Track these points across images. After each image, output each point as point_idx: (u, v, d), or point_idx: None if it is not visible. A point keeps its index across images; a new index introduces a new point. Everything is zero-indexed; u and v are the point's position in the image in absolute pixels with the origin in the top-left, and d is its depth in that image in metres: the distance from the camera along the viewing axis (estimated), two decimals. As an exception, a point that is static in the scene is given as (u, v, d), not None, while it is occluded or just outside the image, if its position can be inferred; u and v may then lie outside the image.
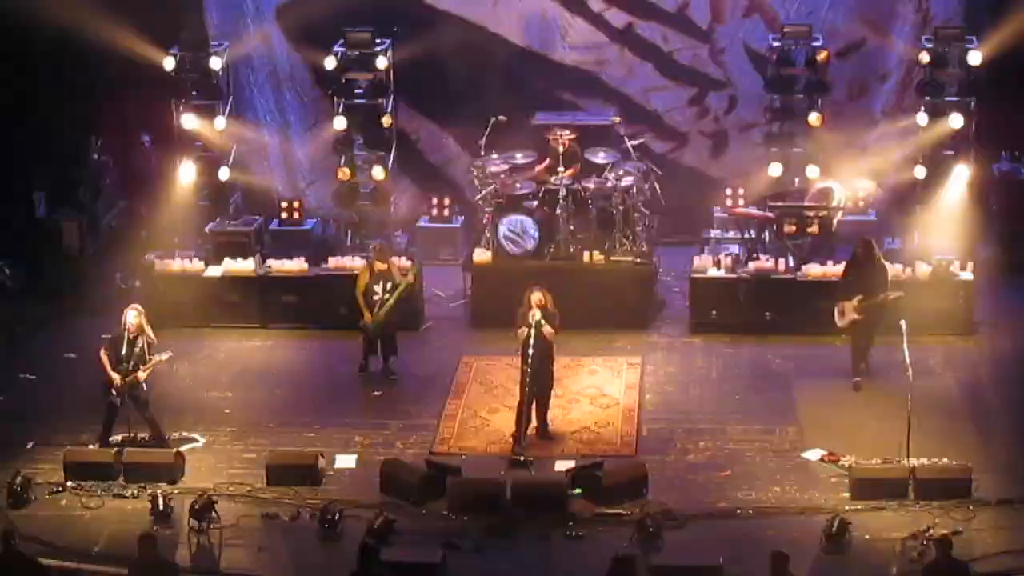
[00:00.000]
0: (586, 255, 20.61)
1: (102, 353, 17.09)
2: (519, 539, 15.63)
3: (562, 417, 18.08)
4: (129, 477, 16.67)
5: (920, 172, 21.49)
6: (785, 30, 21.97)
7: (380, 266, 19.11)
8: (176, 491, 16.44)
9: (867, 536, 15.39)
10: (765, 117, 22.30)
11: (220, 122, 22.08)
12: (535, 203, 20.80)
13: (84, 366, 18.53)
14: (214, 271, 21.05)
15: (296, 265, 21.03)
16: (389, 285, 19.05)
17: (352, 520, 15.79)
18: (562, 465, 16.95)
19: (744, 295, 20.35)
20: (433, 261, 22.15)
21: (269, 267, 21.07)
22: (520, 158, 21.34)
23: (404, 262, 20.38)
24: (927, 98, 21.37)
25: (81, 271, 22.06)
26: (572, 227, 20.65)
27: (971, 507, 15.79)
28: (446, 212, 23.01)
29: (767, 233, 21.45)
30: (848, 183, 21.88)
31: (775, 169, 21.75)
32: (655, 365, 19.60)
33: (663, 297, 21.35)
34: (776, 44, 21.79)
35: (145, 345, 17.11)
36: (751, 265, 20.57)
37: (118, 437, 17.34)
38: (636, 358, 19.70)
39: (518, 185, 20.84)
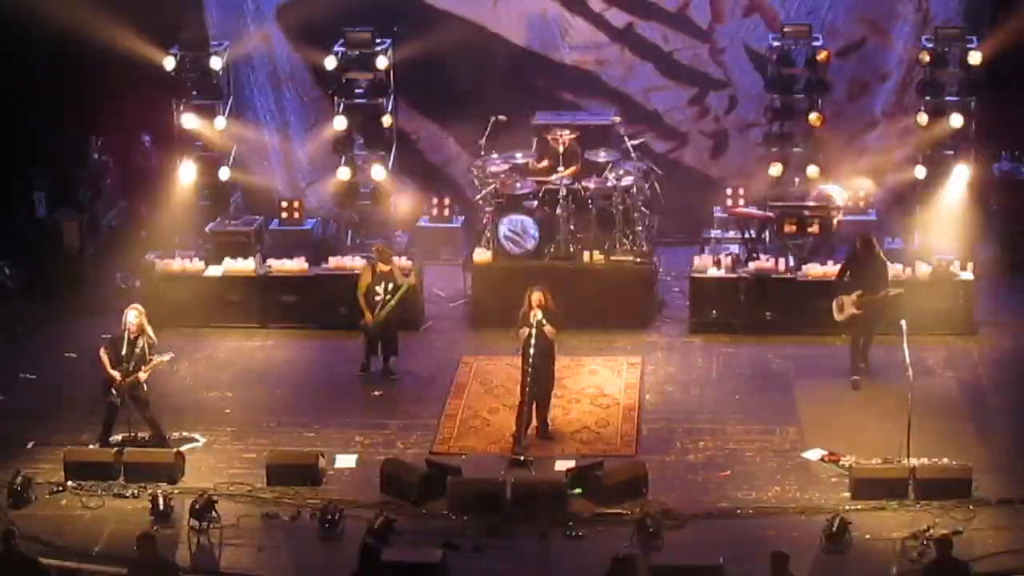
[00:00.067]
0: (586, 255, 20.60)
1: (102, 352, 17.09)
2: (519, 539, 15.63)
3: (562, 417, 18.08)
4: (129, 477, 16.67)
5: (920, 172, 21.50)
6: (785, 30, 21.98)
7: (383, 268, 19.10)
8: (176, 491, 16.44)
9: (867, 536, 15.39)
10: (765, 117, 22.31)
11: (220, 122, 22.09)
12: (535, 203, 20.80)
13: (84, 366, 18.53)
14: (214, 271, 21.04)
15: (296, 265, 21.04)
16: (391, 286, 19.04)
17: (352, 520, 15.79)
18: (562, 465, 16.94)
19: (744, 295, 20.34)
20: (433, 261, 22.16)
21: (269, 267, 21.07)
22: (520, 158, 21.36)
23: (404, 262, 20.38)
24: (927, 98, 21.38)
25: (81, 271, 22.07)
26: (572, 227, 20.65)
27: (971, 507, 15.79)
28: (446, 212, 23.01)
29: (767, 233, 21.45)
30: (848, 183, 21.88)
31: (775, 169, 21.76)
32: (655, 365, 19.60)
33: (663, 297, 21.35)
34: (776, 44, 21.79)
35: (146, 345, 17.11)
36: (751, 265, 20.56)
37: (118, 437, 17.35)
38: (636, 358, 19.70)
39: (518, 185, 20.84)
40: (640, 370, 19.36)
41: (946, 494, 15.93)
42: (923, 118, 21.32)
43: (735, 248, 21.53)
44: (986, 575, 14.60)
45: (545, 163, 21.19)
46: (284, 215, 22.66)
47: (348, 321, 19.79)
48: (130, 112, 22.86)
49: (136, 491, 16.46)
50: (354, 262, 20.74)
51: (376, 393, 19.02)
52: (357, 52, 21.97)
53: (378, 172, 22.12)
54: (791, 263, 20.63)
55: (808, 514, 15.84)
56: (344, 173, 22.18)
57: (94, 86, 22.57)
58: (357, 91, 22.13)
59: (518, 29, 23.18)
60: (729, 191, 22.83)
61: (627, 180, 20.75)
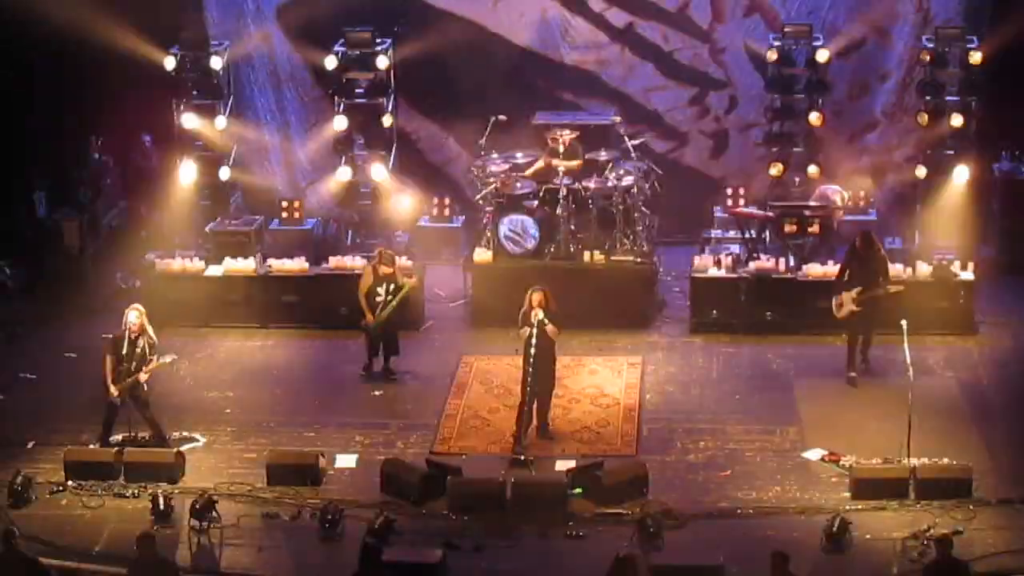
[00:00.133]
0: (586, 255, 20.60)
1: (107, 358, 17.04)
2: (519, 539, 15.63)
3: (563, 417, 18.07)
4: (129, 477, 16.66)
5: (920, 172, 21.50)
6: (785, 30, 21.99)
7: (385, 270, 19.07)
8: (176, 491, 16.44)
9: (867, 536, 15.39)
10: (765, 117, 22.31)
11: (220, 122, 22.09)
12: (535, 203, 20.79)
13: (84, 366, 18.55)
14: (214, 271, 21.04)
15: (296, 265, 21.03)
16: (392, 287, 19.03)
17: (352, 520, 15.78)
18: (562, 465, 16.94)
19: (744, 295, 20.34)
20: (433, 261, 22.15)
21: (269, 267, 21.07)
22: (520, 158, 21.35)
23: (405, 262, 20.37)
24: (927, 98, 21.39)
25: (81, 271, 22.07)
26: (573, 227, 20.65)
27: (971, 507, 15.79)
28: (446, 212, 23.01)
29: (767, 233, 21.45)
30: (848, 183, 21.88)
31: (775, 169, 21.76)
32: (655, 365, 19.59)
33: (663, 297, 21.34)
34: (776, 44, 21.79)
35: (146, 345, 17.10)
36: (751, 265, 20.56)
37: (118, 436, 17.34)
38: (636, 358, 19.69)
39: (518, 185, 20.83)
40: (640, 370, 19.36)
41: (946, 494, 15.93)
42: (923, 118, 21.32)
43: (735, 248, 21.53)
44: (986, 575, 14.61)
45: (543, 164, 21.17)
46: (284, 215, 22.65)
47: (348, 321, 19.78)
48: (130, 112, 22.84)
49: (136, 491, 16.46)
50: (354, 262, 20.75)
51: (376, 393, 19.02)
52: (357, 52, 21.97)
53: (378, 172, 22.12)
54: (791, 263, 20.63)
55: (808, 514, 15.84)
56: (344, 173, 22.18)
57: (94, 86, 22.56)
58: (357, 91, 22.13)
59: (518, 29, 23.19)
60: (729, 191, 22.82)
61: (627, 180, 20.75)
